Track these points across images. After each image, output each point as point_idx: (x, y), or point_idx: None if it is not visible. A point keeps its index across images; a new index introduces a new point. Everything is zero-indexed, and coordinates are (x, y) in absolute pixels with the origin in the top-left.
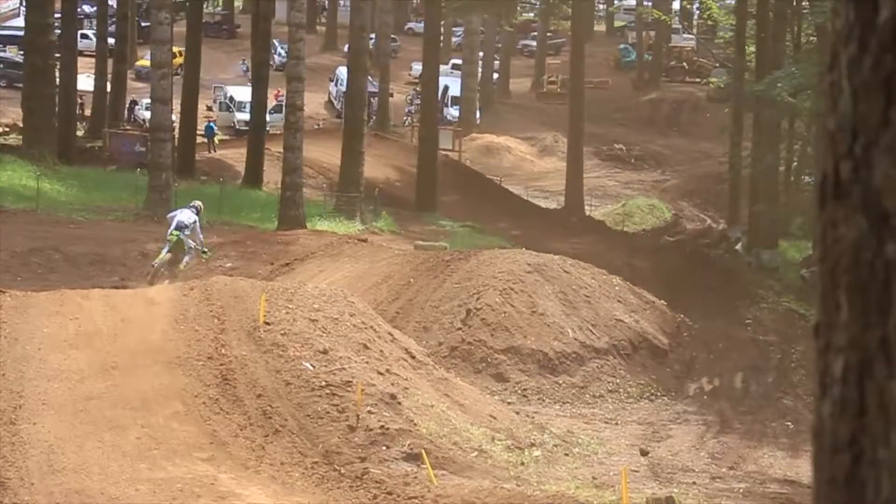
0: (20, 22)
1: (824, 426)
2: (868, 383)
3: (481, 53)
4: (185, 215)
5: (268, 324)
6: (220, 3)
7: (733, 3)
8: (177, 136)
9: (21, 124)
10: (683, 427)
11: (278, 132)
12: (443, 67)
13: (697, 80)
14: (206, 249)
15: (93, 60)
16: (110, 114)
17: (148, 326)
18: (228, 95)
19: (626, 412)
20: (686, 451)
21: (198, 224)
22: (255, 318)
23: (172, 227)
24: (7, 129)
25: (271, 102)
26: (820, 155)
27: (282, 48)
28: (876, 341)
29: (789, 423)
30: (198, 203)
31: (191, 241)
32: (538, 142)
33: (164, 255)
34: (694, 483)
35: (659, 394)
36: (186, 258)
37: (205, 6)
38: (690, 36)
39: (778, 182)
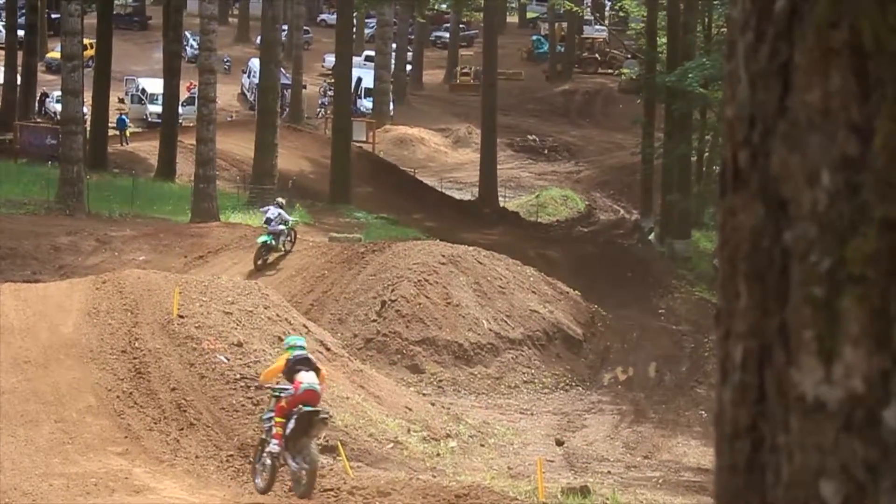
0: None
1: (725, 413)
2: (767, 370)
3: (394, 45)
4: (271, 212)
5: (182, 317)
6: None
7: None
8: (88, 128)
9: None
10: (598, 417)
11: (191, 124)
12: (356, 59)
13: (610, 71)
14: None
15: (2, 52)
16: (21, 106)
17: (60, 320)
18: (140, 88)
19: (542, 402)
20: (601, 440)
21: (283, 213)
22: (168, 311)
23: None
24: None
25: (183, 95)
26: None
27: (194, 40)
28: (774, 328)
29: (703, 412)
30: (280, 200)
31: (280, 226)
32: (452, 133)
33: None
34: (609, 472)
35: (574, 384)
36: (281, 238)
37: None
38: (602, 27)
39: (690, 172)
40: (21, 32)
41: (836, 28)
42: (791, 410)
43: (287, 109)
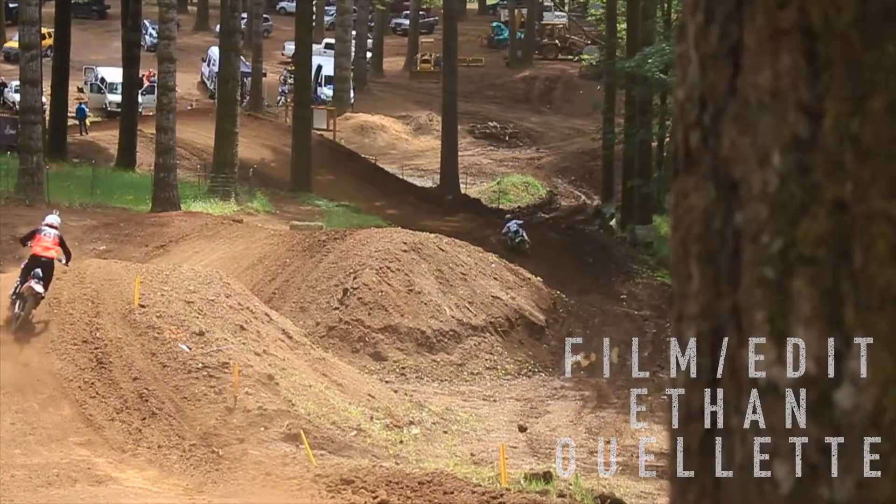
0: None
1: (678, 395)
2: (720, 351)
3: (354, 32)
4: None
5: (143, 306)
6: None
7: None
8: (48, 118)
9: None
10: (561, 402)
11: (151, 113)
12: (316, 47)
13: (570, 57)
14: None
15: None
16: None
17: None
18: (99, 77)
19: (504, 389)
20: (564, 426)
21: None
22: (129, 300)
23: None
24: None
25: (143, 83)
26: None
27: (153, 28)
28: (727, 309)
29: (665, 397)
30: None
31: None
32: (412, 120)
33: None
34: (566, 458)
35: (536, 370)
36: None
37: None
38: (562, 13)
39: (650, 158)
40: None
41: (785, 8)
42: (744, 392)
43: (247, 98)
